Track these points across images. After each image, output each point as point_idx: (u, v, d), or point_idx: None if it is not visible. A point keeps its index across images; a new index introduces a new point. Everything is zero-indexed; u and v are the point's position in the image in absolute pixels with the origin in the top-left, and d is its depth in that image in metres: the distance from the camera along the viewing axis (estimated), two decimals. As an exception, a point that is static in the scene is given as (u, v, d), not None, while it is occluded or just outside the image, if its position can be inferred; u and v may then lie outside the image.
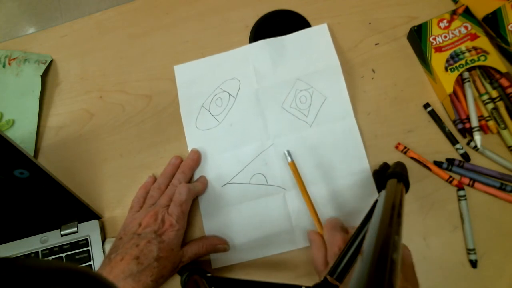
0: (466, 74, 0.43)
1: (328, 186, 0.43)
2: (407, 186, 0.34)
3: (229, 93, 0.47)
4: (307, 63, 0.47)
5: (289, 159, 0.42)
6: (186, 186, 0.41)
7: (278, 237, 0.42)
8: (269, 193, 0.44)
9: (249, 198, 0.44)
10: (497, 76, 0.42)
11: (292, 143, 0.45)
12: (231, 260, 0.42)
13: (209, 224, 0.43)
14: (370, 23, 0.48)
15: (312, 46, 0.47)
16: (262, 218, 0.43)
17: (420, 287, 0.33)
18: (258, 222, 0.43)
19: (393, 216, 0.26)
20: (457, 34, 0.44)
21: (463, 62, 0.42)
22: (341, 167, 0.43)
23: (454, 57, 0.43)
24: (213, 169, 0.45)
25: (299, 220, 0.42)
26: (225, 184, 0.44)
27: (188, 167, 0.43)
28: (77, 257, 0.43)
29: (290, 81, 0.47)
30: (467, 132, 0.43)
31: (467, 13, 0.44)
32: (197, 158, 0.45)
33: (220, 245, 0.41)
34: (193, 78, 0.48)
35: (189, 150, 0.46)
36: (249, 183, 0.44)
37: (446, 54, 0.43)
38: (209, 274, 0.38)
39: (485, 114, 0.42)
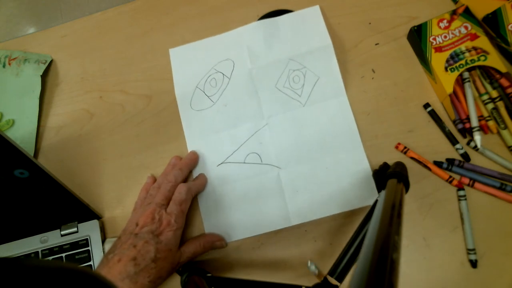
0: (466, 74, 0.43)
1: (322, 165, 0.43)
2: (407, 186, 0.34)
3: (223, 74, 0.48)
4: (300, 44, 0.48)
5: (316, 272, 0.36)
6: (186, 185, 0.41)
7: (273, 215, 0.43)
8: (263, 171, 0.44)
9: (244, 177, 0.44)
10: (497, 76, 0.42)
11: (286, 123, 0.45)
12: (228, 238, 0.43)
13: (204, 204, 0.44)
14: (370, 23, 0.48)
15: (305, 27, 0.48)
16: (257, 197, 0.43)
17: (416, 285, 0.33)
18: (252, 200, 0.43)
19: (393, 216, 0.26)
20: (457, 34, 0.44)
21: (463, 62, 0.42)
22: (334, 145, 0.44)
23: (454, 57, 0.43)
24: (208, 149, 0.46)
25: (293, 198, 0.43)
26: (220, 164, 0.45)
27: (185, 165, 0.43)
28: (77, 257, 0.43)
29: (283, 61, 0.47)
30: (467, 132, 0.43)
31: (467, 13, 0.44)
32: (195, 158, 0.45)
33: (218, 242, 0.42)
34: (188, 60, 0.49)
35: (185, 131, 0.47)
36: (244, 162, 0.45)
37: (446, 54, 0.43)
38: (209, 274, 0.38)
39: (485, 114, 0.42)
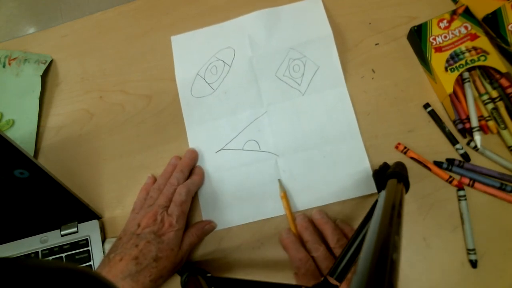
0: (466, 74, 0.43)
1: (320, 154, 0.44)
2: (407, 186, 0.34)
3: (224, 62, 0.48)
4: (301, 33, 0.48)
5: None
6: (186, 186, 0.41)
7: (270, 202, 0.43)
8: (261, 159, 0.45)
9: (242, 163, 0.45)
10: (497, 76, 0.42)
11: (285, 111, 0.46)
12: (224, 224, 0.43)
13: (202, 190, 0.45)
14: (370, 23, 0.48)
15: (306, 17, 0.49)
16: (255, 184, 0.44)
17: (416, 285, 0.33)
18: (250, 187, 0.44)
19: (393, 216, 0.26)
20: (457, 34, 0.44)
21: (463, 62, 0.42)
22: (332, 134, 0.44)
23: (454, 57, 0.43)
24: (207, 135, 0.46)
25: (291, 186, 0.43)
26: (219, 150, 0.46)
27: (185, 166, 0.44)
28: (77, 257, 0.43)
29: (284, 50, 0.48)
30: (467, 132, 0.43)
31: (467, 13, 0.44)
32: (194, 157, 0.45)
33: (207, 225, 0.42)
34: (189, 47, 0.50)
35: (185, 118, 0.47)
36: (242, 149, 0.45)
37: (446, 54, 0.43)
38: (209, 274, 0.39)
39: (485, 114, 0.42)
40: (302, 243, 0.40)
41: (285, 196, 0.42)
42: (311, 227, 0.40)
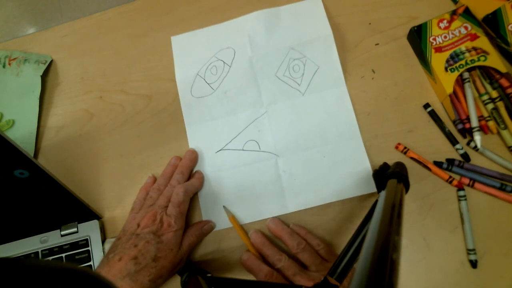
0: (466, 74, 0.43)
1: (320, 154, 0.44)
2: (407, 186, 0.34)
3: (224, 62, 0.48)
4: (301, 33, 0.48)
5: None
6: (183, 187, 0.41)
7: (270, 202, 0.43)
8: (261, 159, 0.45)
9: (242, 164, 0.45)
10: (497, 76, 0.42)
11: (285, 111, 0.46)
12: (224, 224, 0.43)
13: (202, 190, 0.45)
14: (370, 23, 0.48)
15: (306, 17, 0.49)
16: (255, 184, 0.44)
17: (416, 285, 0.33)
18: (250, 187, 0.44)
19: (393, 216, 0.26)
20: (457, 34, 0.44)
21: (463, 62, 0.42)
22: (332, 134, 0.44)
23: (454, 57, 0.43)
24: (207, 135, 0.46)
25: (290, 186, 0.43)
26: (219, 151, 0.46)
27: (185, 167, 0.44)
28: (77, 257, 0.43)
29: (284, 50, 0.48)
30: (467, 132, 0.43)
31: (467, 13, 0.44)
32: (194, 158, 0.45)
33: (206, 225, 0.42)
34: (189, 48, 0.50)
35: (185, 118, 0.47)
36: (243, 149, 0.45)
37: (446, 54, 0.43)
38: (209, 274, 0.39)
39: (485, 114, 0.42)
40: (264, 259, 0.40)
41: (234, 219, 0.43)
42: (267, 241, 0.41)
